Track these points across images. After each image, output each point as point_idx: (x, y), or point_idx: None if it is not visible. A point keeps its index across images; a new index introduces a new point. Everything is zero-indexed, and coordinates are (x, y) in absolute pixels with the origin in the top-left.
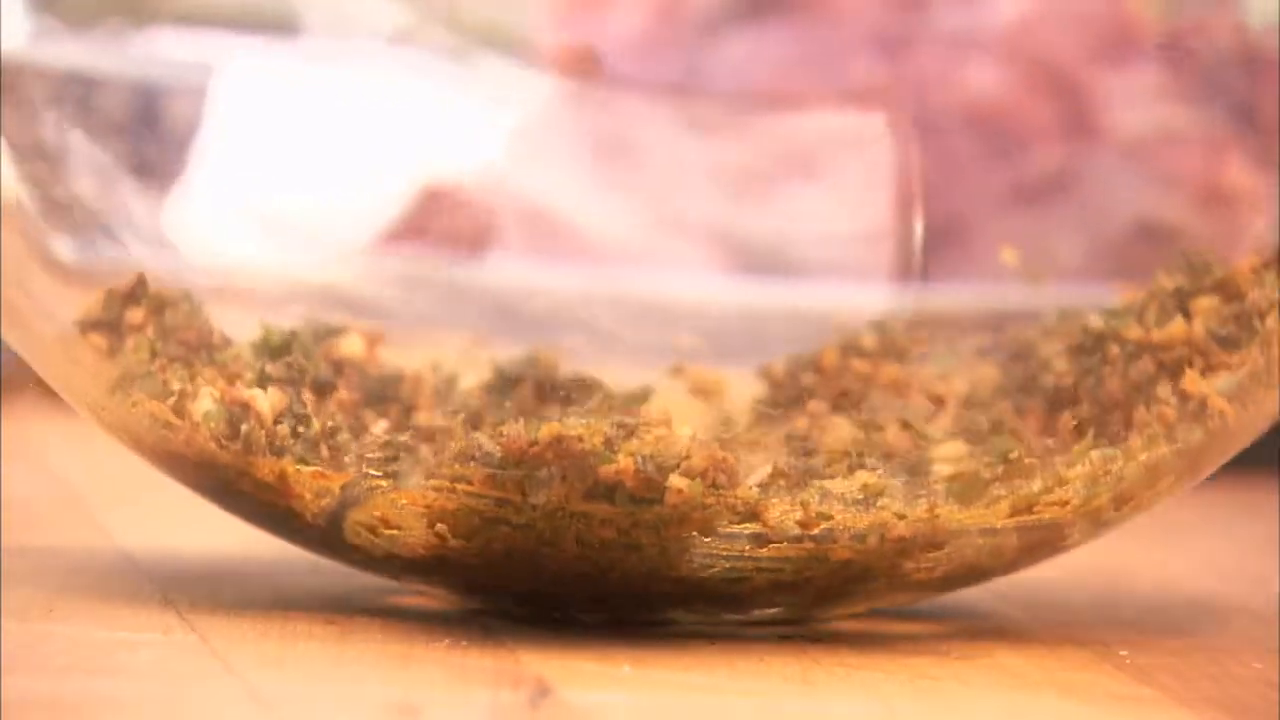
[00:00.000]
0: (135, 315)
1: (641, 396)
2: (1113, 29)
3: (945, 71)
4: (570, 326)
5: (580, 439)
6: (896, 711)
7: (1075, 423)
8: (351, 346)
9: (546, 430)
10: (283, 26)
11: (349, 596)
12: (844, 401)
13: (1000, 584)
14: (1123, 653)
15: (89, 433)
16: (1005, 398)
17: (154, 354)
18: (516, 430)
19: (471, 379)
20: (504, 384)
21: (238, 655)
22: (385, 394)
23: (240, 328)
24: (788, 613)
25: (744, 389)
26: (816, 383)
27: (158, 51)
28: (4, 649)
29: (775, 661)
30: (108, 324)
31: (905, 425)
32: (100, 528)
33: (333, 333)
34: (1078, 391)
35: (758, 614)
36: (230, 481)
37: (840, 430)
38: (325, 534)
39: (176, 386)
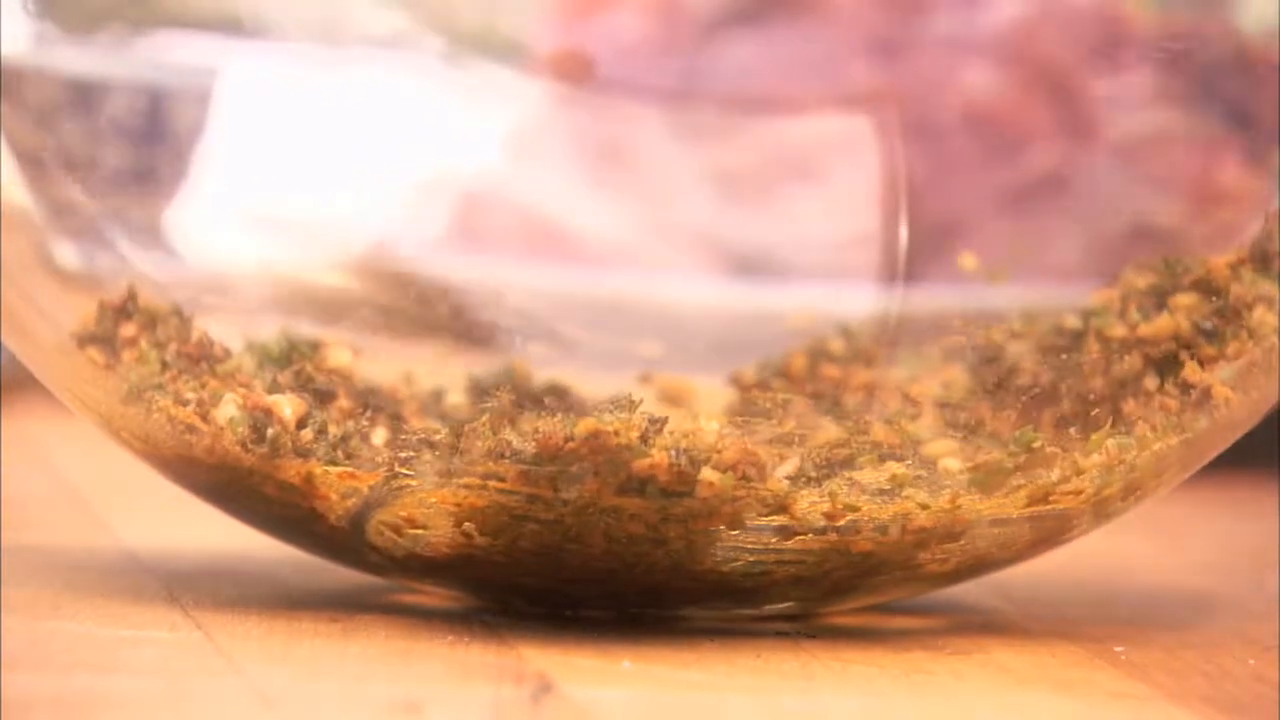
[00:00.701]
0: (128, 330)
1: (628, 405)
2: (1109, 31)
3: (939, 75)
4: (541, 333)
5: (616, 433)
6: (892, 707)
7: (1058, 419)
8: (340, 358)
9: (583, 426)
10: (282, 32)
11: (353, 594)
12: (826, 404)
13: (996, 580)
14: (1118, 649)
15: (92, 432)
16: (981, 399)
17: (165, 366)
18: (552, 426)
19: (457, 394)
20: (480, 394)
21: (242, 652)
22: (372, 404)
23: (233, 339)
24: (798, 607)
25: (715, 395)
26: (786, 387)
27: (159, 56)
28: (9, 647)
29: (773, 658)
30: (102, 338)
31: (890, 423)
32: (104, 525)
33: (322, 344)
34: (1058, 389)
35: (769, 609)
36: (253, 486)
37: (827, 431)
38: (346, 536)
39: (191, 395)
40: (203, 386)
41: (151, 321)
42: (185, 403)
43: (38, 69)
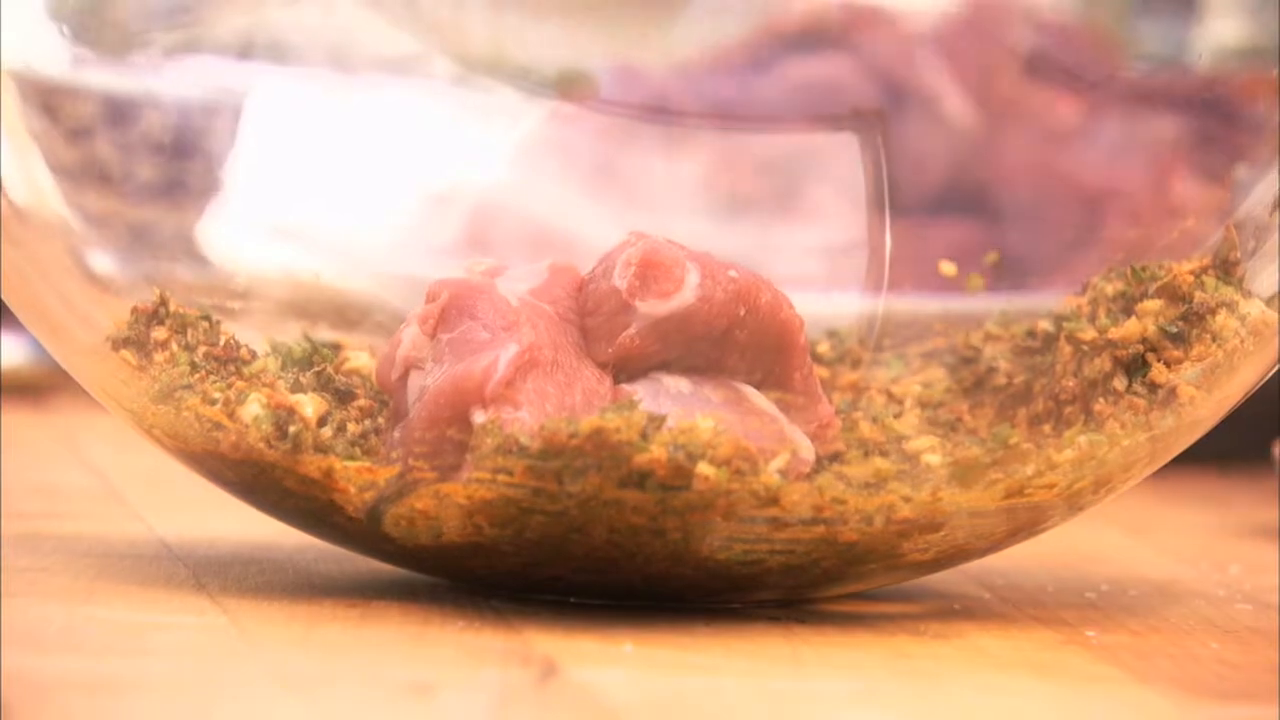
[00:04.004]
0: (160, 333)
1: (629, 404)
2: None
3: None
4: None
5: (618, 430)
6: (877, 688)
7: (1032, 417)
8: (359, 360)
9: (586, 424)
10: (302, 56)
11: (369, 581)
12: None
13: (975, 569)
14: (1089, 634)
15: (126, 429)
16: (960, 398)
17: (194, 367)
18: (557, 424)
19: None
20: None
21: (265, 636)
22: (388, 402)
23: (258, 343)
24: (789, 594)
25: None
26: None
27: (188, 78)
28: (48, 631)
29: (766, 642)
30: (135, 341)
31: (875, 420)
32: (137, 517)
33: (341, 347)
34: (1032, 389)
35: (761, 595)
36: (276, 480)
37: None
38: (364, 527)
39: (218, 395)
40: (229, 387)
41: (182, 326)
42: (213, 402)
43: (75, 89)
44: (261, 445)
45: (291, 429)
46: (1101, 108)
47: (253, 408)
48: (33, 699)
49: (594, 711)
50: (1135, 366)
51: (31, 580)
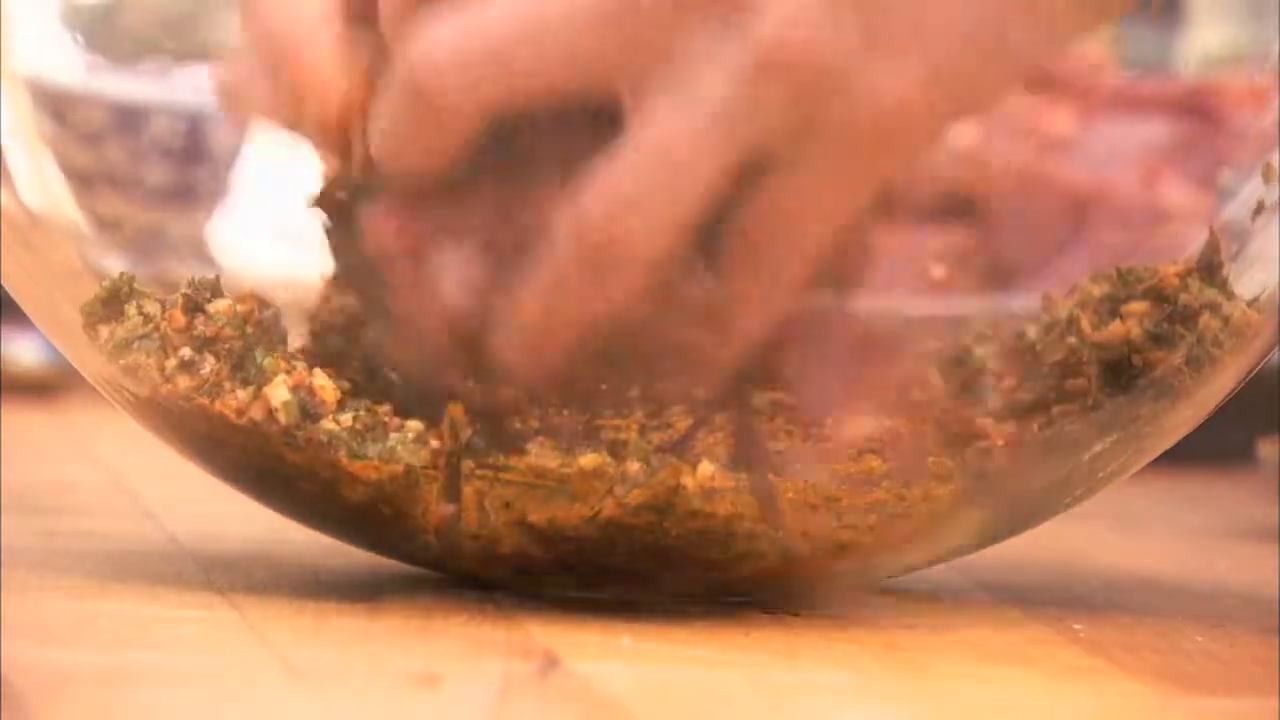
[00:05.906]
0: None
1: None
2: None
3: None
4: None
5: (616, 428)
6: (871, 680)
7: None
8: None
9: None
10: None
11: (375, 575)
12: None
13: (967, 564)
14: (1077, 627)
15: (136, 428)
16: (951, 397)
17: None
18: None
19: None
20: None
21: (273, 629)
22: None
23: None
24: (785, 586)
25: None
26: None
27: (197, 84)
28: (61, 625)
29: (761, 635)
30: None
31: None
32: (148, 513)
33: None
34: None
35: (757, 589)
36: (294, 478)
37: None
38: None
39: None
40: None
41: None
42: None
43: (88, 95)
44: (279, 439)
45: (307, 426)
46: (1089, 114)
47: (280, 391)
48: (44, 691)
49: (593, 702)
50: (1120, 369)
51: (43, 575)
